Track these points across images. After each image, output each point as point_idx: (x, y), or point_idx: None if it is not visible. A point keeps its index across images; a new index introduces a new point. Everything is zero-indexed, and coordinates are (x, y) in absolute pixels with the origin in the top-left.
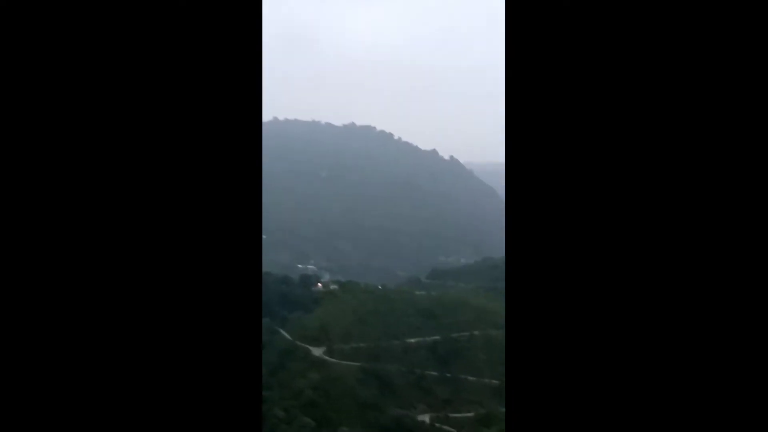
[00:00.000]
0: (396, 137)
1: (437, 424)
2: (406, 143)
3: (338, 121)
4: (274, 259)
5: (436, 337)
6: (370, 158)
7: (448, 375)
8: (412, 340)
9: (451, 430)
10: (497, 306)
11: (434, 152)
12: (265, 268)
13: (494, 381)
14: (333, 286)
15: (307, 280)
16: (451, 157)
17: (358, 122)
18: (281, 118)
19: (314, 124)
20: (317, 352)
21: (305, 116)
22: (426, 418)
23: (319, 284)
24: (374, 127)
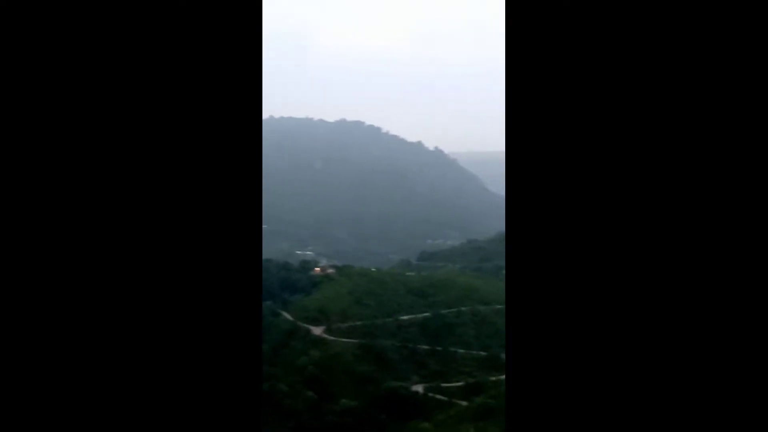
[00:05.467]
0: (384, 131)
1: (430, 394)
2: (394, 136)
3: (330, 118)
4: (276, 246)
5: (427, 314)
6: (361, 151)
7: (439, 348)
8: (405, 318)
9: (443, 398)
10: (482, 284)
11: (420, 144)
12: (266, 255)
13: (482, 353)
14: (330, 270)
15: (306, 265)
16: (436, 147)
17: (349, 118)
18: (276, 116)
19: (308, 121)
20: (317, 331)
21: (299, 113)
22: (419, 388)
23: (317, 269)
24: (363, 122)
